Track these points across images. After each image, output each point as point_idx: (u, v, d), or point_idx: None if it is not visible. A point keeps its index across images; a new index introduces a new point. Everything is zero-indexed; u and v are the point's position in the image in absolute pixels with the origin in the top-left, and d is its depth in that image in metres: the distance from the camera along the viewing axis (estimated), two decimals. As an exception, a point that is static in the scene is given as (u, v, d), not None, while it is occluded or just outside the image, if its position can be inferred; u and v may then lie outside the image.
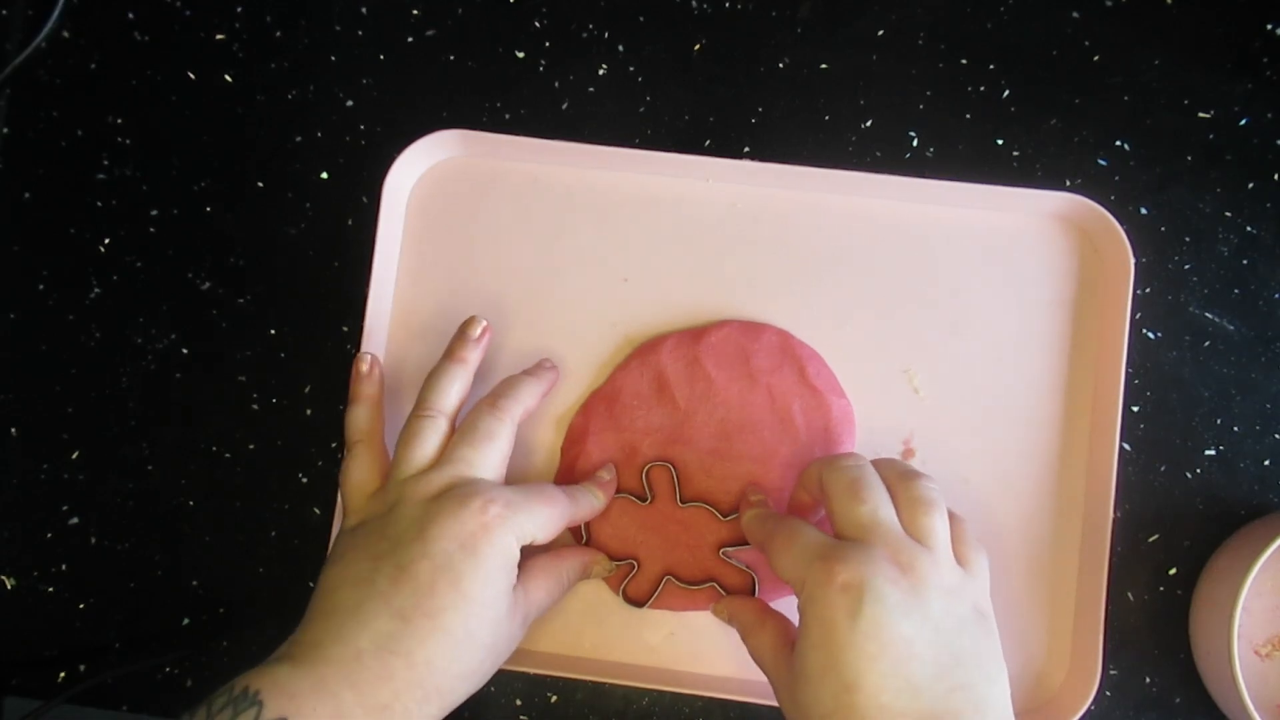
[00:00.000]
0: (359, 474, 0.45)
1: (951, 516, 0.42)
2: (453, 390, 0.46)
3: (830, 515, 0.41)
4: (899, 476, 0.41)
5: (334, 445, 0.52)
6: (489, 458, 0.43)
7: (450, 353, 0.47)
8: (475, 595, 0.39)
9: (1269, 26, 0.53)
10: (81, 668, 0.52)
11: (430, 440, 0.44)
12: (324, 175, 0.54)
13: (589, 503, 0.47)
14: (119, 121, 0.54)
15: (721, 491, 0.49)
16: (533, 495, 0.43)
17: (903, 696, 0.36)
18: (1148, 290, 0.51)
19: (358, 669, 0.37)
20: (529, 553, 0.43)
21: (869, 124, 0.53)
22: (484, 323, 0.47)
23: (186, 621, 0.52)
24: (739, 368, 0.49)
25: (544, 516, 0.43)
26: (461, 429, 0.44)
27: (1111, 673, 0.49)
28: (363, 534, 0.42)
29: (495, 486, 0.42)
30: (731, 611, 0.46)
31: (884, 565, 0.37)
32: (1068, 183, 0.52)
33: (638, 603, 0.49)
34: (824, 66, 0.53)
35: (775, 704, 0.48)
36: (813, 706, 0.37)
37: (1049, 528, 0.49)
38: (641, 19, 0.54)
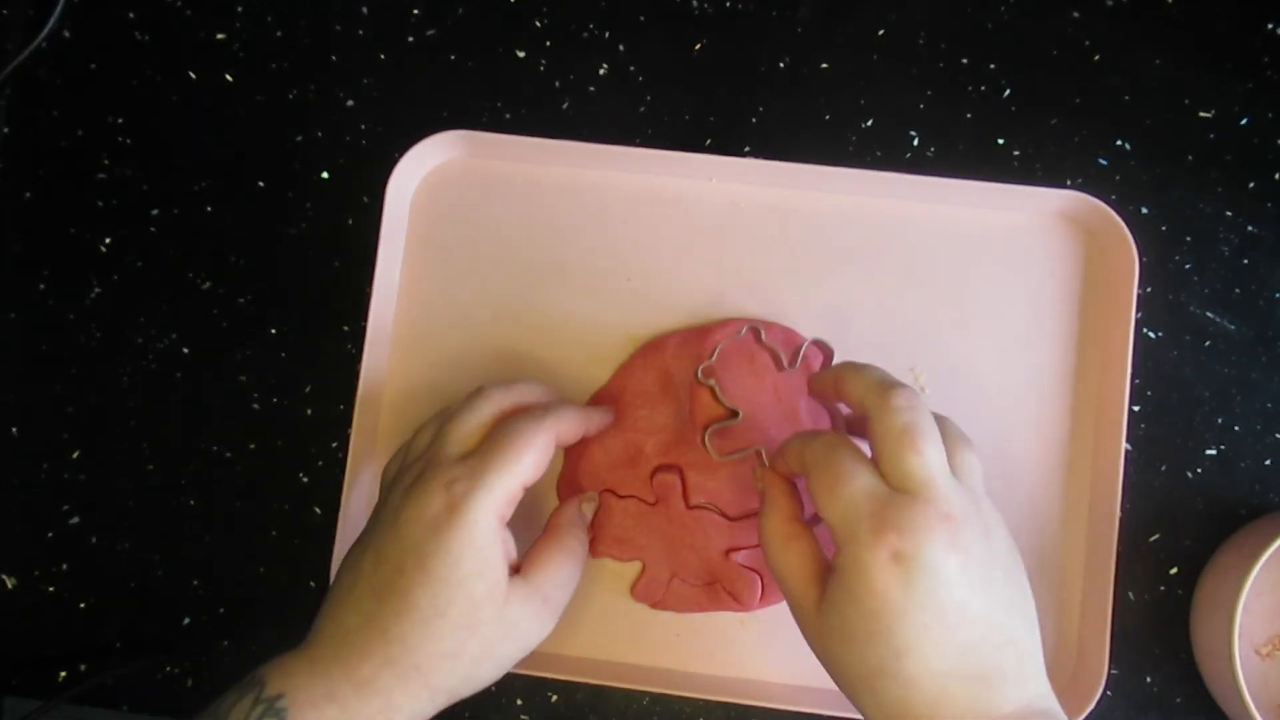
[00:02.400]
0: (389, 468, 0.46)
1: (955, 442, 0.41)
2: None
3: (875, 453, 0.38)
4: (930, 412, 0.40)
5: (334, 445, 0.52)
6: (463, 429, 0.42)
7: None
8: (441, 575, 0.39)
9: (1269, 26, 0.53)
10: (81, 668, 0.52)
11: (431, 430, 0.44)
12: (324, 175, 0.54)
13: (572, 416, 0.44)
14: (119, 121, 0.54)
15: (727, 491, 0.49)
16: (499, 450, 0.41)
17: (951, 658, 0.36)
18: (1148, 290, 0.51)
19: (345, 647, 0.39)
20: (534, 543, 0.44)
21: (869, 124, 0.53)
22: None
23: (186, 621, 0.52)
24: (744, 366, 0.49)
25: (520, 467, 0.41)
26: (445, 412, 0.45)
27: (1112, 672, 0.49)
28: (367, 525, 0.43)
29: (456, 462, 0.41)
30: (765, 508, 0.42)
31: (938, 530, 0.36)
32: (1068, 183, 0.52)
33: (645, 604, 0.49)
34: (824, 66, 0.53)
35: (776, 705, 0.48)
36: (853, 665, 0.37)
37: (1054, 527, 0.49)
38: (641, 19, 0.54)
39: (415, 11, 0.54)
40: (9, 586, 0.52)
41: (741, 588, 0.49)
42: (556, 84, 0.53)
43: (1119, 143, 0.52)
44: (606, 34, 0.54)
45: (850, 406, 0.42)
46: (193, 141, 0.54)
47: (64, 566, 0.52)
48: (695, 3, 0.54)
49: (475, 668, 0.40)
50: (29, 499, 0.53)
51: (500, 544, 0.40)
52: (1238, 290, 0.51)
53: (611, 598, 0.50)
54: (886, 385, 0.39)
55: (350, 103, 0.54)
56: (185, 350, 0.53)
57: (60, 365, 0.53)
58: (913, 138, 0.52)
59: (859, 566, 0.36)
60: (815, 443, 0.40)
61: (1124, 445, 0.48)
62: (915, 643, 0.36)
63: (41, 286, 0.54)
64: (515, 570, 0.42)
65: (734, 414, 0.47)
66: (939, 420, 0.40)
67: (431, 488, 0.40)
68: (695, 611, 0.49)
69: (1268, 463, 0.50)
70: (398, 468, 0.44)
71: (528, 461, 0.41)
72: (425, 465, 0.42)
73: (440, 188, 0.52)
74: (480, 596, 0.39)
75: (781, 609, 0.47)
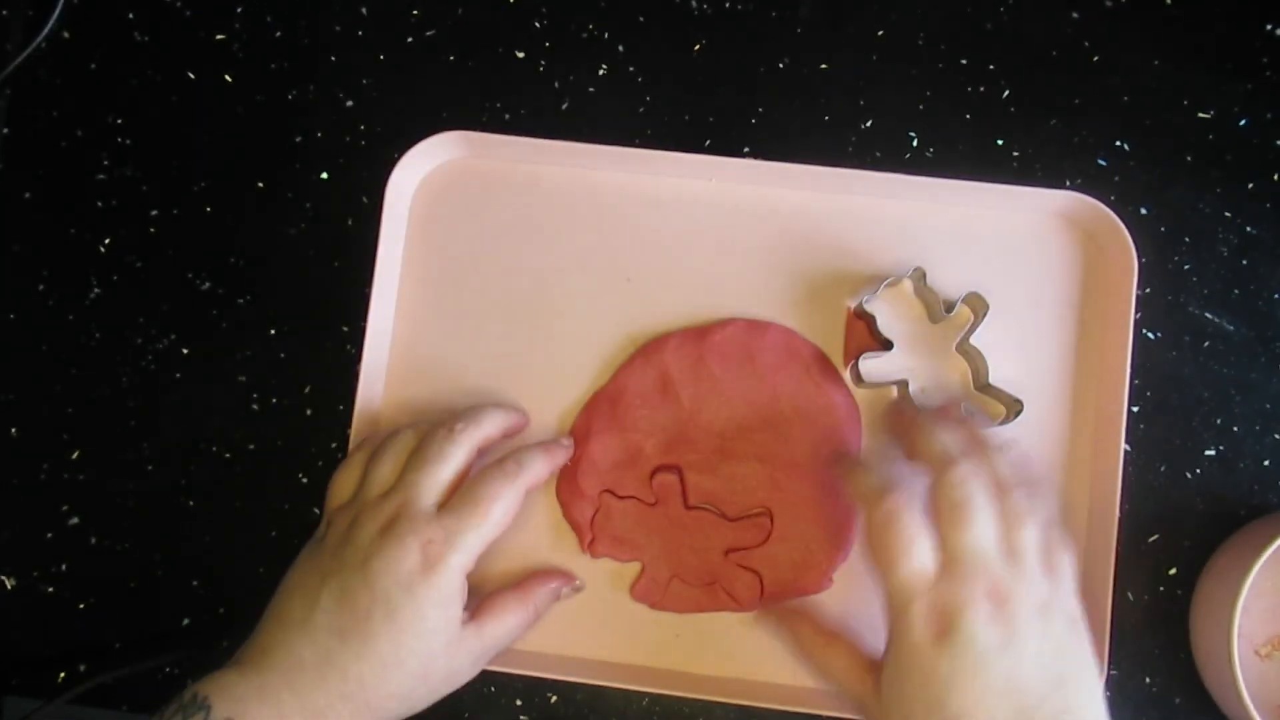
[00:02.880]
0: (341, 483, 0.46)
1: (1048, 521, 0.42)
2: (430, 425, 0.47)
3: (934, 522, 0.40)
4: (1001, 484, 0.41)
5: (334, 445, 0.52)
6: (436, 480, 0.44)
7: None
8: (407, 628, 0.41)
9: (1269, 27, 0.53)
10: (81, 668, 0.52)
11: (396, 460, 0.45)
12: (324, 175, 0.54)
13: (539, 462, 0.46)
14: (119, 121, 0.54)
15: (727, 492, 0.49)
16: (472, 509, 0.43)
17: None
18: (1148, 290, 0.51)
19: (299, 677, 0.41)
20: (497, 591, 0.46)
21: (869, 124, 0.53)
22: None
23: (186, 621, 0.52)
24: (744, 366, 0.49)
25: (490, 525, 0.43)
26: (416, 451, 0.45)
27: (1111, 673, 0.49)
28: (321, 549, 0.44)
29: (432, 522, 0.42)
30: (789, 630, 0.46)
31: (981, 604, 0.38)
32: (1068, 183, 0.52)
33: (645, 604, 0.49)
34: (824, 66, 0.53)
35: (776, 706, 0.48)
36: None
37: (1050, 527, 0.49)
38: (641, 19, 0.54)
39: (415, 12, 0.54)
40: (9, 586, 0.52)
41: (741, 588, 0.49)
42: (556, 84, 0.53)
43: (1118, 143, 0.52)
44: (606, 34, 0.54)
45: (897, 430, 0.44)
46: (193, 141, 0.54)
47: (64, 566, 0.52)
48: (695, 3, 0.54)
49: (416, 703, 0.43)
50: (29, 499, 0.53)
51: (461, 600, 0.43)
52: (1237, 291, 0.51)
53: (611, 598, 0.50)
54: (948, 457, 0.41)
55: (350, 103, 0.54)
56: (185, 350, 0.53)
57: (60, 365, 0.53)
58: (912, 138, 0.52)
59: (909, 644, 0.39)
60: (879, 509, 0.41)
61: (1123, 446, 0.48)
62: (968, 713, 0.37)
63: (41, 286, 0.54)
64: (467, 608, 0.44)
65: (888, 346, 0.48)
66: (1005, 494, 0.41)
67: (408, 544, 0.42)
68: (695, 612, 0.49)
69: (1267, 463, 0.50)
70: (351, 491, 0.45)
71: (498, 520, 0.43)
72: (398, 513, 0.43)
73: (440, 188, 0.52)
74: (438, 649, 0.42)
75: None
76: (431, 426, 0.46)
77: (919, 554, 0.39)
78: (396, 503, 0.43)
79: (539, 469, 0.46)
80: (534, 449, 0.47)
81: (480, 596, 0.45)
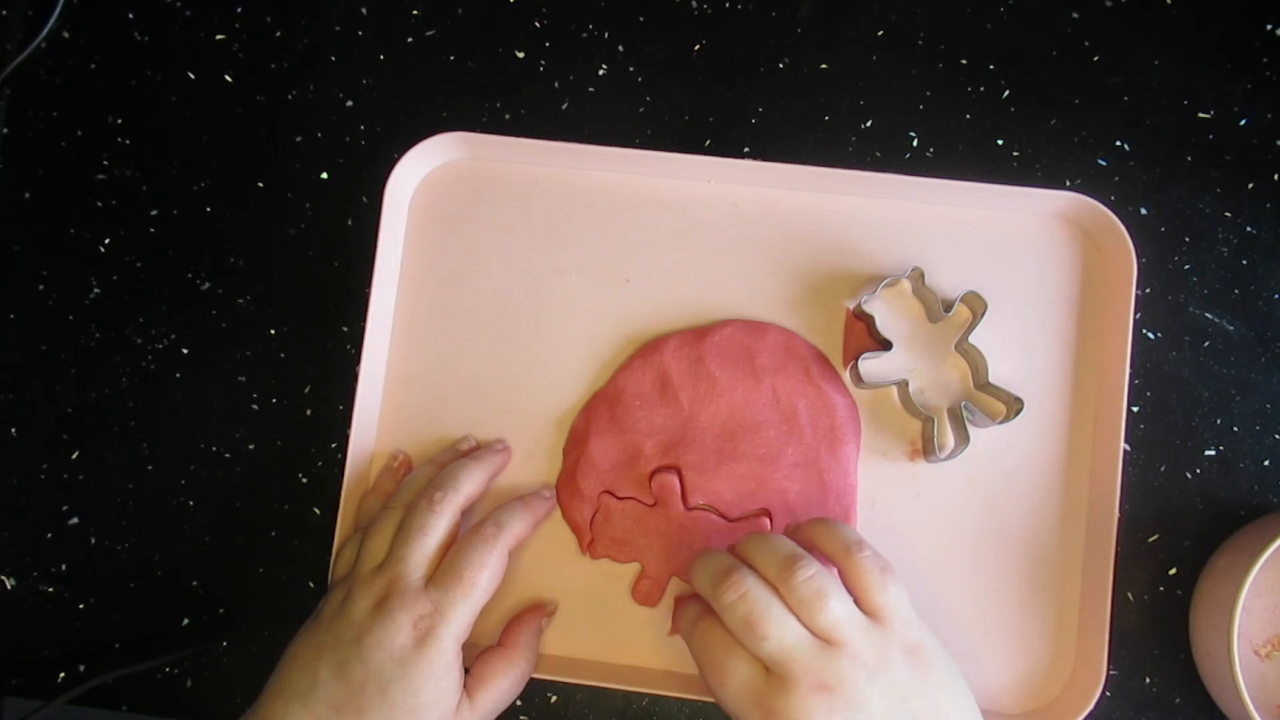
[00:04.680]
0: (343, 564, 0.47)
1: (852, 564, 0.41)
2: (420, 485, 0.47)
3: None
4: (778, 571, 0.41)
5: (334, 445, 0.52)
6: (422, 554, 0.44)
7: (432, 459, 0.50)
8: (400, 703, 0.42)
9: (1269, 26, 0.53)
10: (81, 668, 0.52)
11: (386, 534, 0.46)
12: (324, 175, 0.54)
13: (520, 520, 0.47)
14: (119, 121, 0.54)
15: (726, 492, 0.49)
16: (458, 580, 0.44)
17: None
18: (1148, 290, 0.51)
19: None
20: (482, 656, 0.46)
21: (869, 124, 0.53)
22: (409, 462, 0.51)
23: (186, 621, 0.52)
24: (743, 367, 0.49)
25: (478, 593, 0.44)
26: (401, 524, 0.46)
27: (1111, 673, 0.49)
28: (319, 623, 0.44)
29: (421, 596, 0.43)
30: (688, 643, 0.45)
31: (813, 703, 0.39)
32: (1068, 183, 0.52)
33: (645, 605, 0.49)
34: (824, 66, 0.53)
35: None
36: None
37: (1053, 527, 0.49)
38: (641, 19, 0.54)
39: (415, 12, 0.54)
40: (9, 586, 0.52)
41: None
42: (556, 84, 0.53)
43: (1118, 143, 0.52)
44: (606, 34, 0.54)
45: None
46: (193, 141, 0.54)
47: (64, 566, 0.52)
48: (695, 3, 0.54)
49: None
50: (29, 499, 0.53)
51: (457, 670, 0.44)
52: (1237, 291, 0.51)
53: (611, 599, 0.50)
54: (717, 578, 0.41)
55: (350, 103, 0.54)
56: (185, 350, 0.53)
57: (60, 365, 0.53)
58: (912, 138, 0.52)
59: None
60: (693, 640, 0.42)
61: (1123, 446, 0.48)
62: None
63: (41, 287, 0.54)
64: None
65: (888, 346, 0.48)
66: (785, 582, 0.40)
67: (399, 620, 0.43)
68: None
69: (1267, 463, 0.50)
70: (349, 564, 0.46)
71: (484, 586, 0.44)
72: (389, 589, 0.44)
73: (439, 188, 0.52)
74: None
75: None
76: (414, 499, 0.46)
77: (736, 667, 0.40)
78: (387, 578, 0.44)
79: (519, 528, 0.47)
80: (514, 506, 0.47)
81: (470, 655, 0.46)
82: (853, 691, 0.39)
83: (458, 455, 0.49)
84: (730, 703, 0.40)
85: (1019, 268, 0.51)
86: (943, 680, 0.41)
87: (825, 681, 0.39)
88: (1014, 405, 0.48)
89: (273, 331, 0.53)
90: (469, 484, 0.47)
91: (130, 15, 0.55)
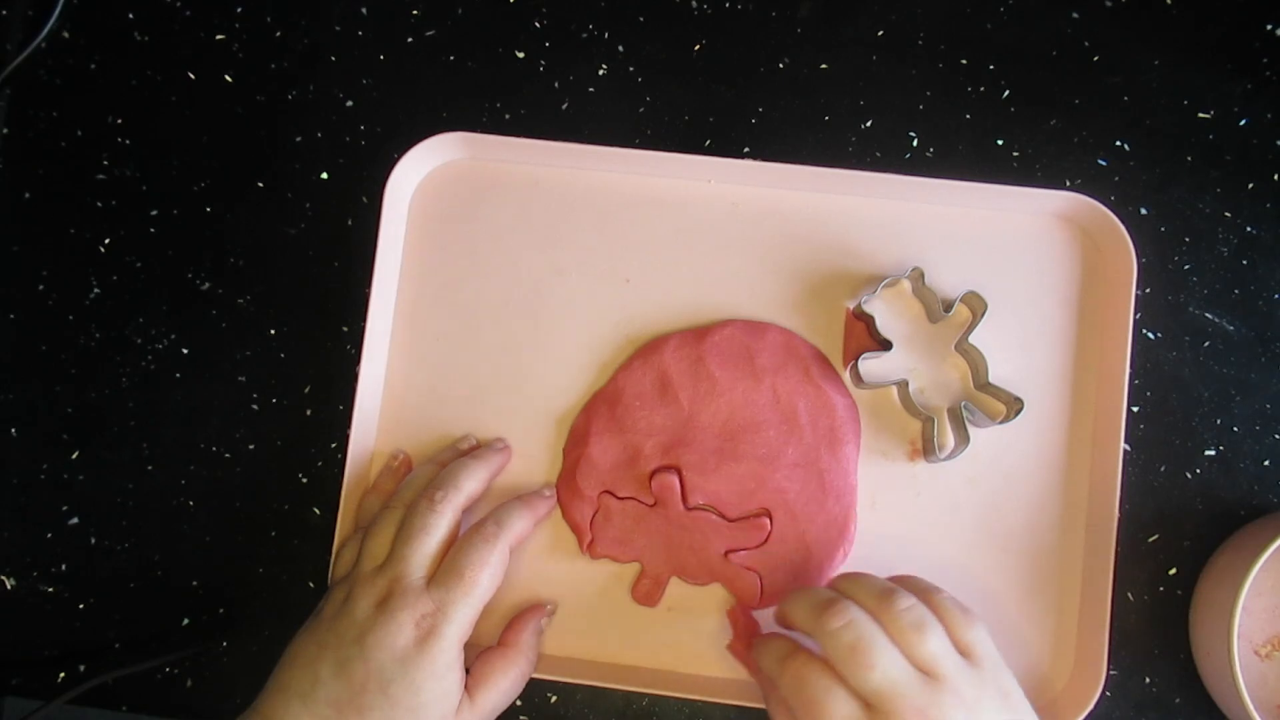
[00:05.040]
0: (343, 563, 0.47)
1: (936, 602, 0.42)
2: (420, 484, 0.48)
3: (841, 675, 0.40)
4: (877, 601, 0.41)
5: (334, 445, 0.52)
6: (423, 553, 0.45)
7: (432, 458, 0.50)
8: (402, 702, 0.42)
9: (1269, 26, 0.53)
10: (81, 668, 0.52)
11: (387, 533, 0.46)
12: (324, 175, 0.54)
13: (520, 518, 0.47)
14: (119, 121, 0.54)
15: (726, 492, 0.49)
16: (459, 579, 0.44)
17: None
18: (1148, 290, 0.51)
19: None
20: (482, 656, 0.46)
21: (869, 124, 0.53)
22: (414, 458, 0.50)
23: (186, 621, 0.52)
24: (743, 367, 0.49)
25: (480, 591, 0.44)
26: (403, 524, 0.46)
27: (1111, 673, 0.49)
28: (320, 621, 0.45)
29: (423, 595, 0.43)
30: (751, 671, 0.46)
31: None
32: (1068, 183, 0.52)
33: (645, 605, 0.49)
34: (824, 66, 0.53)
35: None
36: None
37: (1053, 527, 0.49)
38: (641, 19, 0.54)
39: (415, 12, 0.54)
40: (9, 586, 0.52)
41: (741, 588, 0.49)
42: (556, 84, 0.53)
43: (1118, 143, 0.52)
44: (606, 34, 0.54)
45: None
46: (193, 141, 0.54)
47: (64, 566, 0.52)
48: (695, 3, 0.54)
49: None
50: (29, 499, 0.53)
51: (459, 670, 0.44)
52: (1237, 291, 0.51)
53: (611, 598, 0.50)
54: (819, 606, 0.41)
55: (350, 103, 0.54)
56: (185, 350, 0.53)
57: (60, 365, 0.53)
58: (912, 138, 0.52)
59: None
60: (786, 675, 0.41)
61: (1123, 446, 0.48)
62: None
63: (41, 287, 0.54)
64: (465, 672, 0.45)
65: (888, 346, 0.48)
66: (938, 604, 0.41)
67: (400, 620, 0.43)
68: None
69: (1267, 463, 0.50)
70: (350, 564, 0.46)
71: (486, 585, 0.44)
72: (390, 588, 0.44)
73: (439, 188, 0.52)
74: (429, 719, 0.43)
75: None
76: (415, 498, 0.46)
77: (837, 705, 0.39)
78: (389, 578, 0.44)
79: (520, 527, 0.47)
80: (514, 505, 0.47)
81: (470, 655, 0.46)
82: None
83: (458, 454, 0.49)
84: None
85: (1019, 268, 0.50)
86: None
87: (929, 717, 0.38)
88: (1014, 405, 0.48)
89: (273, 331, 0.53)
90: (470, 483, 0.47)
91: (130, 15, 0.55)
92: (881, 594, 0.41)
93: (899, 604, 0.40)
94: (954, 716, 0.39)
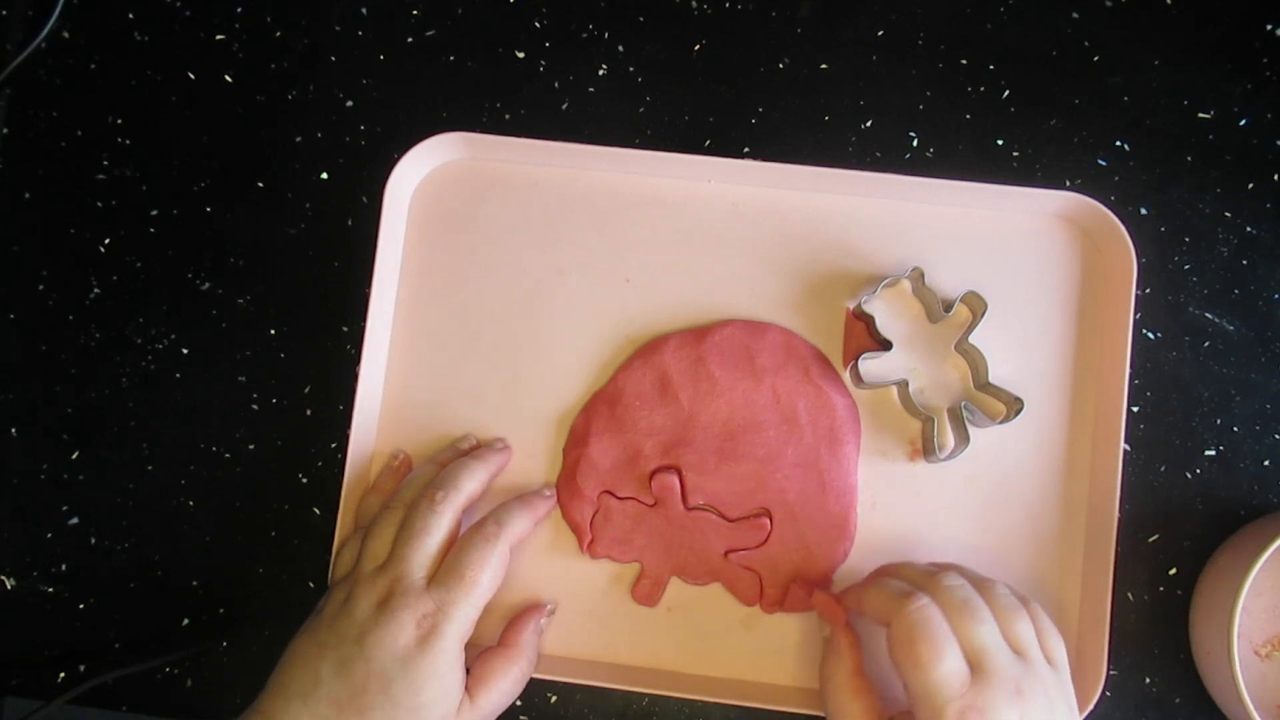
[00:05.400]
0: (343, 563, 0.47)
1: (1025, 603, 0.44)
2: (421, 485, 0.48)
3: (949, 622, 0.41)
4: (979, 584, 0.43)
5: (334, 445, 0.52)
6: (424, 553, 0.45)
7: (432, 458, 0.50)
8: (403, 702, 0.42)
9: (1269, 26, 0.53)
10: (81, 668, 0.52)
11: (388, 533, 0.46)
12: (324, 175, 0.54)
13: (520, 518, 0.47)
14: (119, 121, 0.54)
15: (726, 492, 0.49)
16: (460, 579, 0.44)
17: None
18: (1148, 290, 0.51)
19: None
20: (482, 655, 0.46)
21: (869, 124, 0.53)
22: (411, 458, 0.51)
23: (186, 621, 0.52)
24: (743, 367, 0.49)
25: (480, 591, 0.44)
26: (403, 524, 0.46)
27: (1111, 673, 0.49)
28: (320, 621, 0.45)
29: (424, 595, 0.43)
30: (833, 660, 0.46)
31: (1010, 708, 0.39)
32: (1068, 183, 0.52)
33: (645, 605, 0.49)
34: (824, 66, 0.53)
35: (776, 707, 0.48)
36: None
37: (1053, 527, 0.49)
38: (641, 19, 0.54)
39: (415, 12, 0.54)
40: (9, 586, 0.52)
41: (741, 588, 0.49)
42: (556, 84, 0.53)
43: (1118, 143, 0.52)
44: (606, 34, 0.54)
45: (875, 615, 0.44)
46: (193, 141, 0.54)
47: (64, 566, 0.52)
48: (695, 3, 0.54)
49: None
50: (29, 499, 0.53)
51: (460, 669, 0.44)
52: (1237, 291, 0.51)
53: (611, 599, 0.50)
54: (924, 573, 0.44)
55: (350, 103, 0.54)
56: (185, 350, 0.53)
57: (60, 365, 0.53)
58: (912, 138, 0.52)
59: None
60: (906, 611, 0.41)
61: (1123, 446, 0.48)
62: None
63: (41, 287, 0.54)
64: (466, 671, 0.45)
65: (888, 346, 0.48)
66: (989, 593, 0.43)
67: (401, 619, 0.43)
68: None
69: (1267, 463, 0.50)
70: (350, 564, 0.46)
71: (486, 584, 0.44)
72: (391, 588, 0.44)
73: (439, 188, 0.52)
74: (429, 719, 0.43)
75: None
76: (415, 498, 0.46)
77: (952, 657, 0.40)
78: (390, 578, 0.44)
79: (520, 526, 0.47)
80: (514, 505, 0.47)
81: (470, 655, 0.46)
82: (1037, 712, 0.40)
83: (458, 454, 0.49)
84: (933, 686, 0.40)
85: (1019, 268, 0.51)
86: None
87: (1021, 689, 0.40)
88: (1014, 405, 0.48)
89: (273, 331, 0.53)
90: (470, 483, 0.47)
91: (130, 15, 0.55)
92: (980, 580, 0.44)
93: (997, 588, 0.43)
94: (1042, 700, 0.40)
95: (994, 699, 0.39)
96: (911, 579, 0.44)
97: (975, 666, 0.40)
